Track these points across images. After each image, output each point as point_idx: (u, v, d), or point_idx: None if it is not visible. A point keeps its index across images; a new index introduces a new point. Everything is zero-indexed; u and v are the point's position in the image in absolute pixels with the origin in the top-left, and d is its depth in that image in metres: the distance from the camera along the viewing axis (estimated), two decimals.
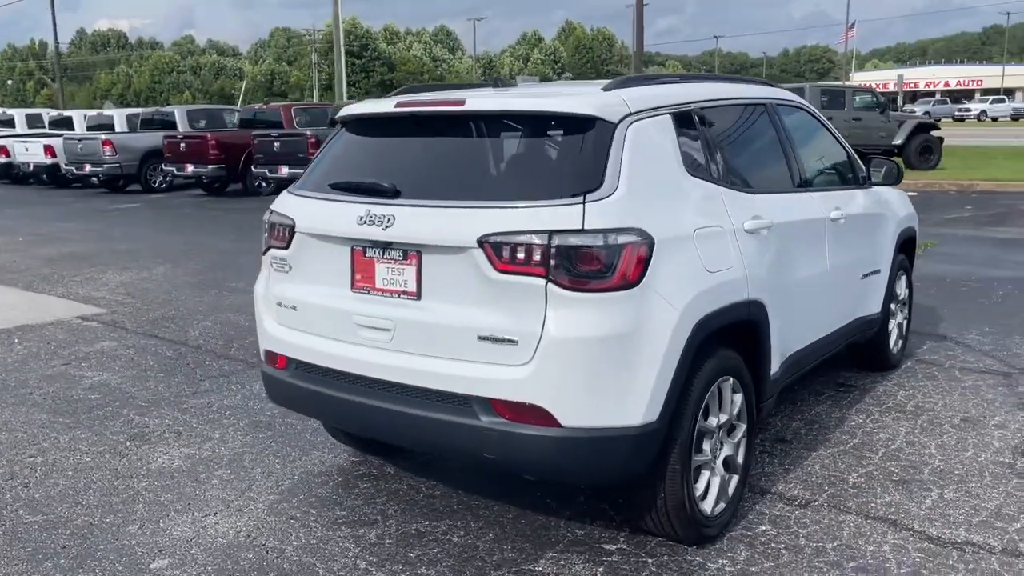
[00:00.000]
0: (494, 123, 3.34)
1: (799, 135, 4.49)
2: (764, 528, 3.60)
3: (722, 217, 3.45)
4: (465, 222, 3.04)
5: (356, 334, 3.34)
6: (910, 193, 11.40)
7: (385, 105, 3.60)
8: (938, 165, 20.02)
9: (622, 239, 2.91)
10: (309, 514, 3.82)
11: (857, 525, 3.62)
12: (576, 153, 3.09)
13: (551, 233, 2.90)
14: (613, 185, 3.00)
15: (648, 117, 3.30)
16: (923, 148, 19.91)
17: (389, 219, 3.19)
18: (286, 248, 3.59)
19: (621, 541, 3.51)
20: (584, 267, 2.89)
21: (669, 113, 3.43)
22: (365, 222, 3.25)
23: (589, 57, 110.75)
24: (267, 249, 3.73)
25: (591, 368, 2.92)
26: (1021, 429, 4.64)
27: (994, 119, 67.75)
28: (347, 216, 3.32)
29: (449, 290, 3.12)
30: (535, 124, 3.24)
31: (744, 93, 4.18)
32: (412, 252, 3.19)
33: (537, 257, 2.91)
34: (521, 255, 2.92)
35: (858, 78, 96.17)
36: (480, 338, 3.03)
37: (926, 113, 28.73)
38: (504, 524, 3.68)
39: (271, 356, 3.72)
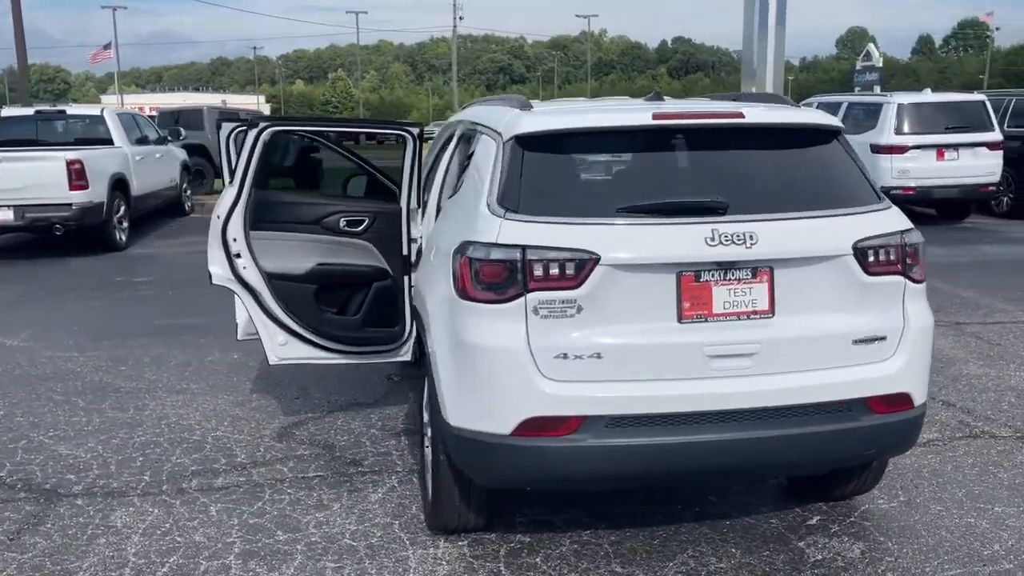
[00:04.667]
0: (767, 135, 3.35)
1: None
2: None
3: None
4: (835, 231, 3.10)
5: (706, 367, 3.01)
6: None
7: (635, 118, 3.22)
8: (320, 185, 21.76)
9: None
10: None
11: None
12: (852, 162, 3.37)
13: (902, 233, 3.20)
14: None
15: None
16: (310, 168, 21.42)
17: (750, 236, 2.99)
18: (577, 287, 2.94)
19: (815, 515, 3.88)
20: (915, 262, 3.26)
21: None
22: (718, 243, 2.97)
23: None
24: (517, 295, 2.96)
25: (929, 350, 3.32)
26: None
27: None
28: (685, 239, 2.97)
29: (809, 301, 3.10)
30: (803, 136, 3.38)
31: None
32: (763, 268, 3.05)
33: (895, 256, 3.17)
34: (884, 256, 3.15)
35: (107, 101, 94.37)
36: (855, 341, 3.13)
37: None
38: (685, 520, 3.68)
39: (545, 423, 2.98)
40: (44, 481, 4.34)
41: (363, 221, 4.55)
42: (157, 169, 14.25)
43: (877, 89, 23.32)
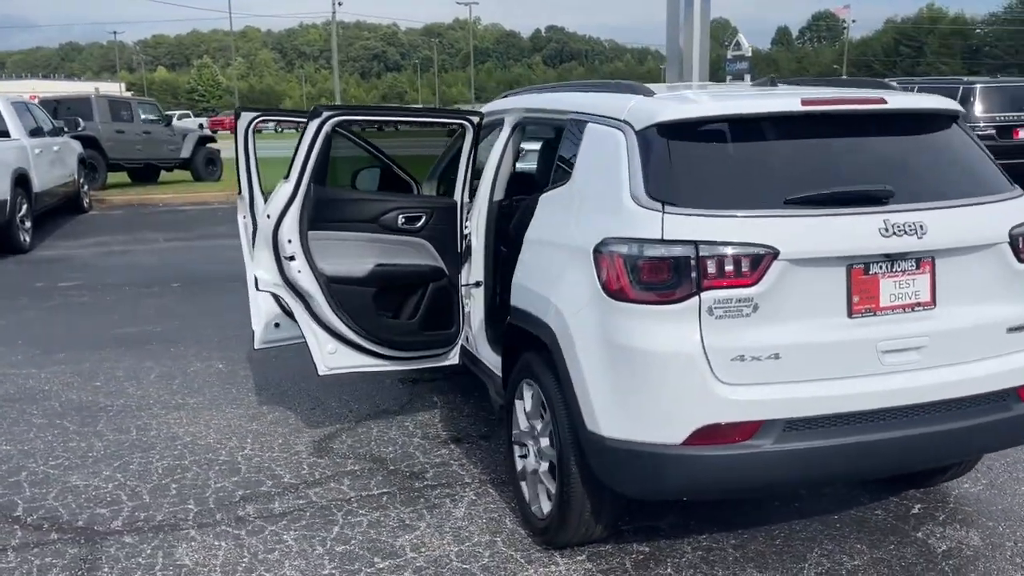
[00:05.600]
0: (905, 121, 3.26)
1: None
2: None
3: None
4: (992, 218, 3.05)
5: (879, 363, 2.90)
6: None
7: (784, 104, 3.06)
8: (221, 176, 20.72)
9: None
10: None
11: None
12: (979, 147, 3.32)
13: None
14: None
15: None
16: (208, 160, 20.35)
17: (920, 226, 2.89)
18: (753, 284, 2.77)
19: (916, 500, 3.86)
20: None
21: None
22: (891, 233, 2.86)
23: None
24: (689, 294, 2.76)
25: None
26: None
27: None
28: (860, 230, 2.85)
29: (966, 290, 3.04)
30: (934, 121, 3.31)
31: None
32: (925, 259, 2.97)
33: None
34: None
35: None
36: (1009, 330, 3.09)
37: (200, 126, 28.90)
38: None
39: (720, 430, 2.79)
40: (73, 518, 3.83)
41: (421, 217, 4.21)
42: (56, 163, 13.13)
43: (748, 78, 24.15)
